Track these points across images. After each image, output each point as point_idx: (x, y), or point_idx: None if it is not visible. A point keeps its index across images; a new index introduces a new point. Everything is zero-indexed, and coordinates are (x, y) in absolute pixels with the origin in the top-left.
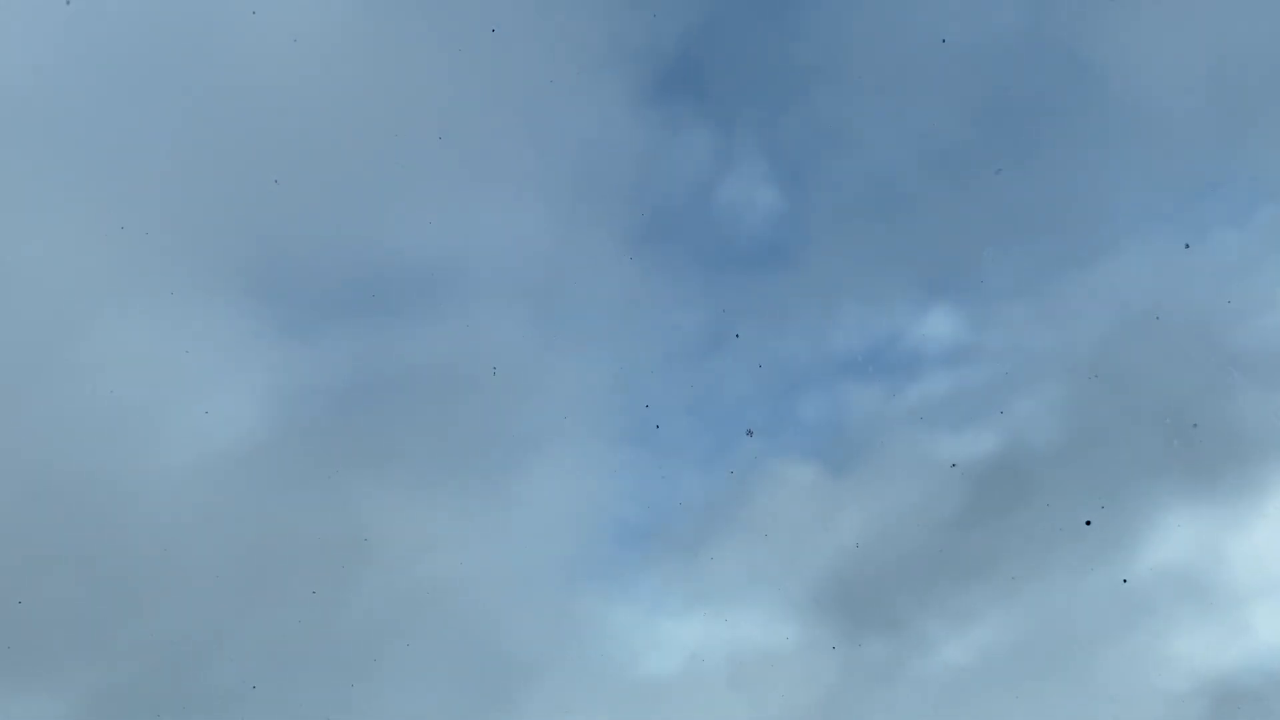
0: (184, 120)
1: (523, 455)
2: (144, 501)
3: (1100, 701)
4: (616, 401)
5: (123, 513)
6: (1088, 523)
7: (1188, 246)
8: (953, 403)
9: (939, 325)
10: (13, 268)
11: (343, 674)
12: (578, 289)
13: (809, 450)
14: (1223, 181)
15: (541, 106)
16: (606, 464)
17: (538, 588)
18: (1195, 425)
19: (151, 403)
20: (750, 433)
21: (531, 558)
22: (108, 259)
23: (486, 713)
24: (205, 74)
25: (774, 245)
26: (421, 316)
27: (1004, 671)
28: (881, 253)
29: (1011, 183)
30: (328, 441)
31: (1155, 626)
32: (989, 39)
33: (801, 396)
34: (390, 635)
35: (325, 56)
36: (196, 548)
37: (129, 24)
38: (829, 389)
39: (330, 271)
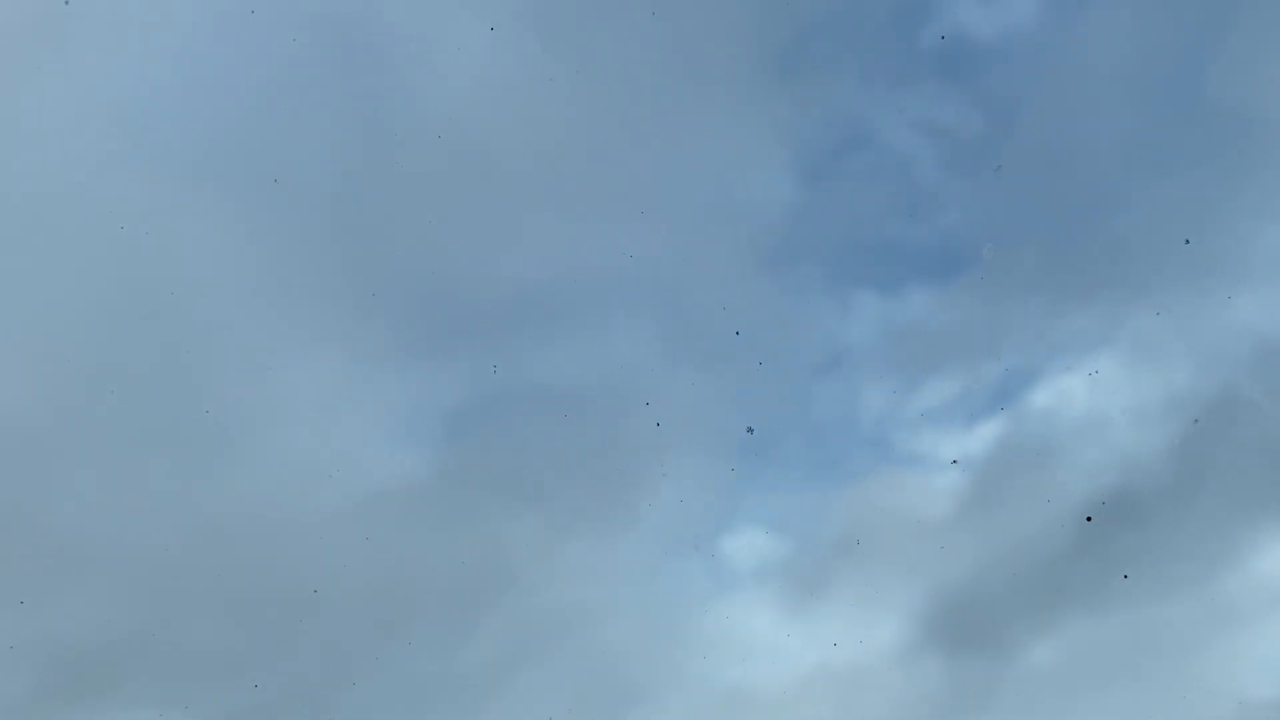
0: (332, 161)
1: (646, 476)
2: (295, 537)
3: (1190, 709)
4: (735, 419)
5: (275, 548)
6: (1088, 519)
7: None
8: (1071, 434)
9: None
10: (179, 314)
11: (471, 700)
12: (701, 309)
13: (923, 468)
14: None
15: (668, 130)
16: (724, 482)
17: (656, 608)
18: None
19: (305, 444)
20: (750, 430)
21: (651, 578)
22: (261, 306)
23: None
24: (353, 116)
25: (905, 266)
26: (554, 339)
27: (1098, 682)
28: (1024, 284)
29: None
30: (470, 474)
31: (1246, 638)
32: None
33: (921, 418)
34: (518, 662)
35: (460, 88)
36: (339, 582)
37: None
38: (951, 412)
39: (467, 299)
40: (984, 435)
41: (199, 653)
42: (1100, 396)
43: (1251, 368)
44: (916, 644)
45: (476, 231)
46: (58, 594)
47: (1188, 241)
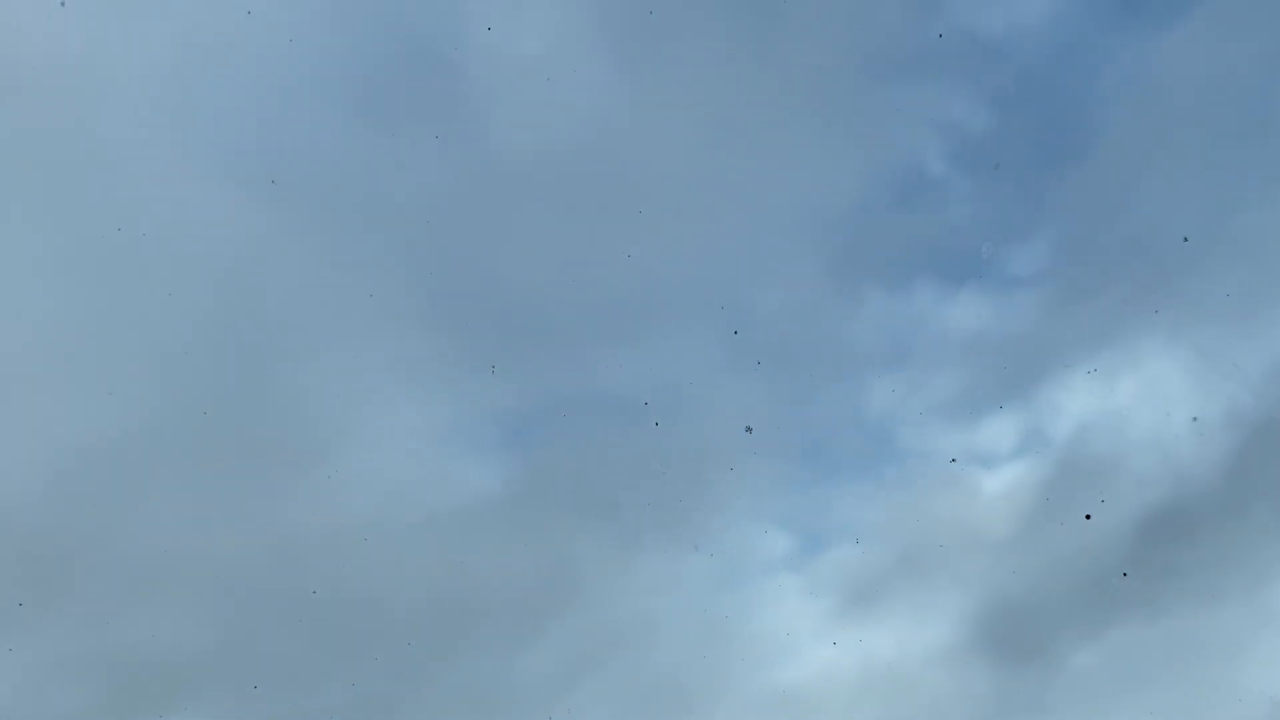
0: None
1: (709, 486)
2: (367, 552)
3: (1226, 710)
4: (791, 420)
5: (346, 563)
6: (1087, 516)
7: None
8: (1120, 446)
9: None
10: (258, 336)
11: (529, 711)
12: (764, 313)
13: (976, 476)
14: None
15: (741, 141)
16: (781, 486)
17: (711, 617)
18: None
19: (380, 461)
20: (749, 429)
21: (710, 587)
22: (335, 327)
23: None
24: (432, 140)
25: (963, 275)
26: (621, 349)
27: (1135, 685)
28: (1094, 300)
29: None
30: (539, 487)
31: None
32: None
33: (970, 421)
34: (577, 672)
35: (525, 104)
36: (408, 595)
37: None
38: (995, 419)
39: (538, 312)
40: (1036, 440)
41: (272, 665)
42: (1134, 403)
43: None
44: (962, 649)
45: (541, 244)
46: (137, 608)
47: (1186, 239)
